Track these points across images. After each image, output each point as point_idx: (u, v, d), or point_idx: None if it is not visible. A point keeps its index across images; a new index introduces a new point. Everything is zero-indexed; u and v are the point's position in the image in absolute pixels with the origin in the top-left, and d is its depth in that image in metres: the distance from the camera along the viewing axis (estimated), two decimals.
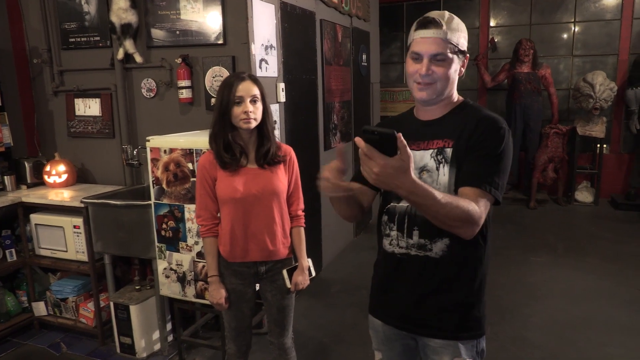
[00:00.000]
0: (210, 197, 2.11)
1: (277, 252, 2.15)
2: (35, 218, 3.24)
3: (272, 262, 2.16)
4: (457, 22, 1.42)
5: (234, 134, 2.05)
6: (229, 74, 2.14)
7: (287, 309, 2.23)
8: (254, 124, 2.02)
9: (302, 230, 2.26)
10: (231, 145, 2.03)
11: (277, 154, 2.12)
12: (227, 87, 1.99)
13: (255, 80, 2.04)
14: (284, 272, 2.16)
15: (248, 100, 1.99)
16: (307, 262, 2.24)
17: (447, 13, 1.42)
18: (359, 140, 1.13)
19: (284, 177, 2.15)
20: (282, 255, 2.18)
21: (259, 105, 2.03)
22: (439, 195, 1.23)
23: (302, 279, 2.19)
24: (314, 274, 2.27)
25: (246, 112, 1.98)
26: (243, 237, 2.09)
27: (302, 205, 2.26)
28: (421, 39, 1.39)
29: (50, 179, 3.46)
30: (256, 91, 2.02)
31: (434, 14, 1.40)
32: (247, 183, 2.06)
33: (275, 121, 3.26)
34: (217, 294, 2.12)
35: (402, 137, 1.12)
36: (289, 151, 2.19)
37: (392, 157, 1.13)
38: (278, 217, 2.13)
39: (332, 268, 4.32)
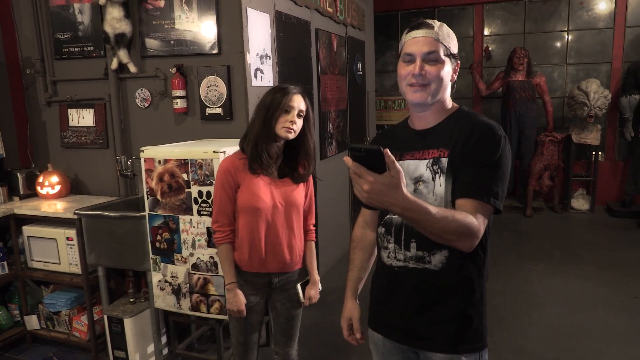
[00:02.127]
0: (231, 202, 2.08)
1: (293, 264, 2.15)
2: (27, 230, 3.20)
3: (286, 274, 2.16)
4: (448, 29, 1.42)
5: (276, 141, 2.06)
6: (276, 85, 2.16)
7: (295, 318, 2.23)
8: (292, 136, 2.03)
9: (314, 244, 2.27)
10: (272, 149, 2.04)
11: (309, 175, 2.15)
12: (280, 94, 2.01)
13: (305, 96, 2.07)
14: (298, 286, 2.15)
15: (296, 112, 2.01)
16: (319, 276, 2.24)
17: (437, 21, 1.43)
18: (347, 159, 1.11)
19: (303, 190, 2.17)
20: (296, 268, 2.19)
21: (301, 121, 2.05)
22: (433, 210, 1.20)
23: (315, 293, 2.20)
24: (321, 287, 2.27)
25: (292, 122, 2.00)
26: (263, 248, 2.08)
27: (314, 220, 2.27)
28: (413, 40, 1.39)
29: (43, 190, 3.42)
30: (304, 107, 2.05)
31: (425, 19, 1.42)
32: (271, 193, 2.06)
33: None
34: (237, 301, 2.07)
35: (389, 153, 1.09)
36: None
37: (382, 174, 1.11)
38: (297, 229, 2.15)
39: (328, 278, 4.27)
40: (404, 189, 1.13)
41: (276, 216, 2.07)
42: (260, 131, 2.02)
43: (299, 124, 2.04)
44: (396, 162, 1.11)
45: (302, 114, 2.04)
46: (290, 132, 2.01)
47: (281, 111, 1.99)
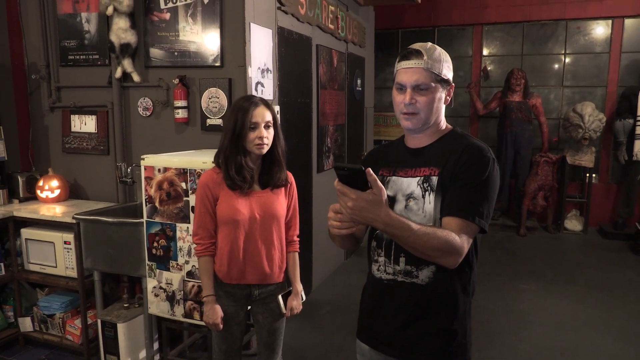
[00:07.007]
0: (211, 216, 2.10)
1: (272, 276, 2.16)
2: (25, 233, 3.23)
3: (266, 286, 2.18)
4: (440, 52, 1.45)
5: (246, 157, 2.06)
6: (241, 97, 2.15)
7: (277, 331, 2.23)
8: (266, 149, 2.05)
9: (297, 255, 2.28)
10: (244, 168, 2.05)
11: (284, 179, 2.15)
12: (242, 112, 2.01)
13: (268, 105, 2.07)
14: (279, 297, 2.17)
15: (262, 125, 2.02)
16: (301, 287, 2.26)
17: (429, 44, 1.46)
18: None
19: (284, 202, 2.18)
20: (277, 280, 2.19)
21: (272, 130, 2.06)
22: (415, 226, 1.27)
23: (297, 304, 2.21)
24: (304, 297, 2.29)
25: (261, 138, 2.01)
26: (242, 260, 2.10)
27: (297, 231, 2.28)
28: (404, 70, 1.44)
29: (42, 194, 3.46)
30: (269, 117, 2.05)
31: (416, 45, 1.45)
32: (250, 205, 2.08)
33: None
34: (214, 314, 2.11)
35: (371, 172, 1.17)
36: (289, 176, 2.22)
37: (365, 192, 1.19)
38: (277, 241, 2.15)
39: (321, 290, 4.31)
40: (386, 206, 1.20)
41: (254, 228, 2.09)
42: (228, 151, 2.03)
43: (269, 135, 2.05)
44: (378, 181, 1.19)
45: (269, 124, 2.05)
46: (263, 147, 2.03)
47: (246, 130, 2.00)
